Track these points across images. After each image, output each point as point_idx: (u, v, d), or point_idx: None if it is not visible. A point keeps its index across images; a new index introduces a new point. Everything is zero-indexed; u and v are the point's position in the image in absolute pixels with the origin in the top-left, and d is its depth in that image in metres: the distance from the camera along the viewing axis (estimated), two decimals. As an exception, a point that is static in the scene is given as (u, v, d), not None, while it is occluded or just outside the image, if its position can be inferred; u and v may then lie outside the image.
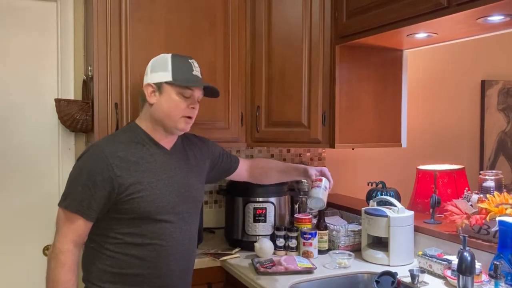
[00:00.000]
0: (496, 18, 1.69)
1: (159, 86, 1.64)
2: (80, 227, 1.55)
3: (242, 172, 2.06)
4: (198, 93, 1.69)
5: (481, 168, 3.49)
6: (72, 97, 2.40)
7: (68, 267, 1.52)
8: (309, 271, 1.95)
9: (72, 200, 1.54)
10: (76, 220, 1.54)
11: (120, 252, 1.60)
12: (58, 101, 2.30)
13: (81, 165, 1.59)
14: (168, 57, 1.67)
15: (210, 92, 1.75)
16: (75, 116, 2.24)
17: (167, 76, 1.63)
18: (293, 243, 2.20)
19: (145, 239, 1.61)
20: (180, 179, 1.70)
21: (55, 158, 2.41)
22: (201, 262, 2.14)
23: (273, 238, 2.23)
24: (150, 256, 1.62)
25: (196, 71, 1.69)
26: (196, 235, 1.81)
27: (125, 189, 1.56)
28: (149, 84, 1.66)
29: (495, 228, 1.75)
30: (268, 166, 2.10)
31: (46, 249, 2.34)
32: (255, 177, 2.08)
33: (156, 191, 1.61)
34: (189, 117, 1.68)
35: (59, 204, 1.57)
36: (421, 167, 2.50)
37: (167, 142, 1.72)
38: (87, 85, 2.32)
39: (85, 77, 2.35)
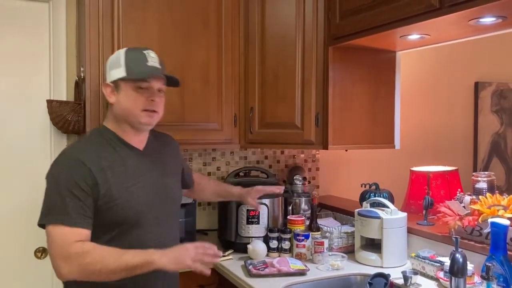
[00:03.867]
0: (488, 20, 1.69)
1: (116, 84, 1.59)
2: (81, 236, 1.45)
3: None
4: (157, 84, 1.61)
5: (475, 170, 3.50)
6: (64, 98, 2.38)
7: (90, 251, 1.42)
8: (302, 273, 1.95)
9: (65, 214, 1.44)
10: (75, 234, 1.44)
11: None
12: (50, 102, 2.28)
13: (59, 176, 1.49)
14: (121, 52, 1.61)
15: (171, 81, 1.68)
16: (67, 117, 2.23)
17: (121, 72, 1.57)
18: (286, 244, 2.19)
19: (126, 245, 1.50)
20: (156, 180, 1.64)
21: (47, 160, 2.38)
22: (194, 264, 2.13)
23: (266, 240, 2.22)
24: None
25: (153, 61, 1.61)
26: (178, 236, 1.75)
27: (102, 196, 1.49)
28: (107, 84, 1.62)
29: (487, 229, 1.75)
30: (206, 183, 2.12)
31: (37, 251, 2.32)
32: (194, 191, 2.06)
33: (133, 195, 1.54)
34: (152, 111, 1.60)
35: (48, 222, 1.45)
36: (414, 168, 2.50)
37: (139, 142, 1.66)
38: (79, 86, 2.31)
39: (77, 78, 2.33)
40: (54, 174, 1.51)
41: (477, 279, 1.69)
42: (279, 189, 2.04)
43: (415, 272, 1.81)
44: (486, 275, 1.53)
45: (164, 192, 1.65)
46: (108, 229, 1.52)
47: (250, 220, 2.26)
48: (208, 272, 1.47)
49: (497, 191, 1.95)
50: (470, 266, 1.66)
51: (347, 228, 2.30)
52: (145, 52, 1.61)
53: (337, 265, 2.01)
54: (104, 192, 1.49)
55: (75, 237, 1.43)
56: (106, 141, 1.60)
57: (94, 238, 1.49)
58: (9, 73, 2.31)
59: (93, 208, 1.48)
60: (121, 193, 1.52)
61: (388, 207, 2.11)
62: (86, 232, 1.46)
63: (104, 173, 1.51)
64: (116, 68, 1.59)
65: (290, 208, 2.52)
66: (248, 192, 2.00)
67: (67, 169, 1.49)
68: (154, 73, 1.59)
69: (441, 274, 1.79)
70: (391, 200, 2.30)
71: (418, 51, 2.39)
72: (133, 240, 1.54)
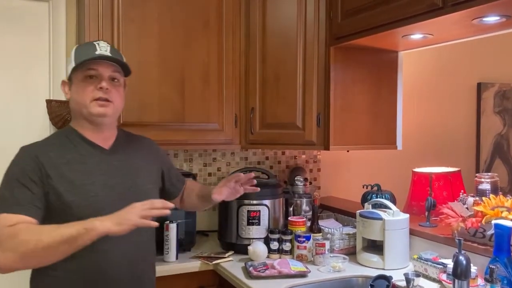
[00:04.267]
0: (492, 19, 1.68)
1: (69, 79, 1.56)
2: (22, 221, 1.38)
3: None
4: (107, 71, 1.53)
5: (477, 171, 3.47)
6: (64, 98, 2.35)
7: (22, 230, 1.34)
8: (303, 274, 1.93)
9: (10, 203, 1.40)
10: (15, 219, 1.37)
11: (57, 269, 1.44)
12: (49, 102, 2.26)
13: (12, 167, 1.48)
14: (74, 48, 1.59)
15: (125, 69, 1.60)
16: (66, 117, 2.21)
17: (71, 66, 1.53)
18: (287, 246, 2.17)
19: (81, 251, 1.39)
20: (122, 180, 1.56)
21: (46, 160, 2.38)
22: (194, 266, 2.12)
23: (267, 241, 2.20)
24: (87, 270, 1.46)
25: (103, 50, 1.53)
26: (150, 241, 1.66)
27: (55, 191, 1.44)
28: (64, 81, 1.59)
29: (491, 231, 1.73)
30: (195, 185, 1.99)
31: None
32: (183, 200, 1.92)
33: (90, 193, 1.47)
34: (105, 100, 1.52)
35: None
36: (417, 169, 2.48)
37: (103, 140, 1.59)
38: (79, 86, 2.29)
39: (77, 78, 2.32)
40: (8, 168, 1.49)
41: (480, 281, 1.67)
42: (247, 176, 1.78)
43: (418, 274, 1.79)
44: (490, 277, 1.51)
45: (131, 193, 1.54)
46: None
47: (250, 221, 2.25)
48: (154, 224, 1.37)
49: (500, 193, 1.93)
50: (473, 269, 1.63)
51: (349, 230, 2.27)
52: (95, 43, 1.56)
53: (338, 267, 1.99)
54: (57, 187, 1.44)
55: (12, 222, 1.36)
56: (67, 139, 1.56)
57: None
58: (8, 73, 2.30)
59: (44, 200, 1.43)
60: (77, 190, 1.45)
61: (390, 208, 2.09)
62: (30, 220, 1.39)
63: (58, 168, 1.47)
64: (69, 63, 1.56)
65: (291, 209, 2.50)
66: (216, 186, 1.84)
67: (20, 162, 1.48)
68: (99, 58, 1.51)
69: (443, 277, 1.77)
70: (393, 201, 2.28)
71: (420, 51, 2.37)
72: (93, 242, 1.42)
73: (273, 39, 2.34)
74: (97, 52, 1.52)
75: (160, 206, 1.37)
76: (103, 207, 1.44)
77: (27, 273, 1.54)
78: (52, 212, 1.45)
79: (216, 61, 2.33)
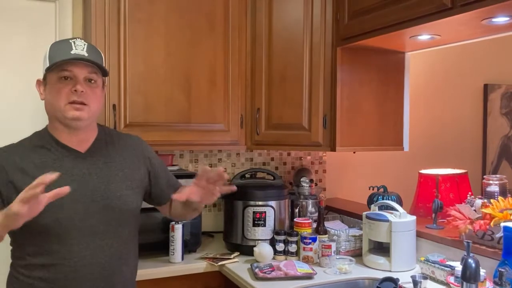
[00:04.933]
0: (501, 20, 1.66)
1: (44, 79, 1.49)
2: None
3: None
4: (82, 72, 1.45)
5: (484, 173, 3.45)
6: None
7: None
8: (309, 276, 1.92)
9: None
10: None
11: (28, 276, 1.43)
12: (55, 102, 2.26)
13: None
14: (48, 46, 1.51)
15: (102, 70, 1.52)
16: (72, 117, 2.21)
17: (46, 65, 1.46)
18: (293, 247, 2.16)
19: (50, 259, 1.40)
20: (95, 185, 1.47)
21: (52, 160, 2.37)
22: (199, 267, 2.11)
23: (272, 242, 2.19)
24: (57, 279, 1.41)
25: (79, 49, 1.46)
26: (128, 251, 1.56)
27: (17, 195, 1.33)
28: (38, 81, 1.53)
29: (500, 234, 1.71)
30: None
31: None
32: (171, 207, 1.73)
33: (55, 201, 1.29)
34: (81, 103, 1.45)
35: None
36: (423, 171, 2.46)
37: (79, 143, 1.51)
38: (85, 86, 2.29)
39: (83, 78, 2.32)
40: None
41: (489, 284, 1.65)
42: (216, 172, 1.46)
43: (425, 277, 1.77)
44: (499, 280, 1.50)
45: (104, 199, 1.47)
46: (34, 237, 1.39)
47: (256, 222, 2.24)
48: (25, 208, 1.22)
49: (509, 195, 1.91)
50: (482, 271, 1.62)
51: (355, 231, 2.26)
52: (71, 41, 1.48)
53: (344, 269, 1.98)
54: (21, 191, 1.35)
55: None
56: (41, 142, 1.50)
57: (19, 248, 1.41)
58: (15, 73, 2.30)
59: (6, 204, 1.34)
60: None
61: (396, 210, 2.07)
62: None
63: (24, 172, 1.42)
64: (43, 62, 1.50)
65: (296, 210, 2.49)
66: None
67: None
68: (74, 59, 1.44)
69: (451, 279, 1.76)
70: (400, 203, 2.27)
71: (427, 52, 2.36)
72: (60, 252, 1.41)
73: (279, 40, 2.34)
74: (72, 52, 1.45)
75: (38, 182, 1.20)
76: (68, 215, 1.41)
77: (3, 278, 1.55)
78: None
79: (222, 61, 2.33)
